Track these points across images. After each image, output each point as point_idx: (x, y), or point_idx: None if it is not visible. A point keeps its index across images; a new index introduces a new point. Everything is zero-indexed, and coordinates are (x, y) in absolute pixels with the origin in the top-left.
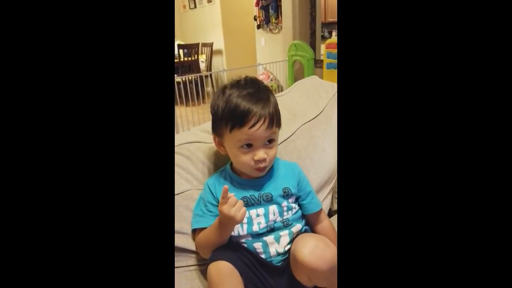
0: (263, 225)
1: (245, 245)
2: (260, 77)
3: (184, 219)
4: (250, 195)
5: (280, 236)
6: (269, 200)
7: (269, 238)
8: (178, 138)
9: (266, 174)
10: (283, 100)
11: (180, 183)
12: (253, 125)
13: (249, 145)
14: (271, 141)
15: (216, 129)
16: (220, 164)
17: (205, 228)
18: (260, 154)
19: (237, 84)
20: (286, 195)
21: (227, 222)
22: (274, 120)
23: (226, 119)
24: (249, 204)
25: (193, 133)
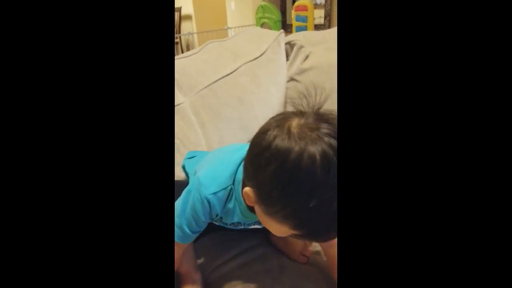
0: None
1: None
2: None
3: None
4: (241, 229)
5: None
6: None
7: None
8: None
9: None
10: (226, 44)
11: None
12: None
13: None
14: None
15: (264, 201)
16: None
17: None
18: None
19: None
20: None
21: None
22: None
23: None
24: (235, 226)
25: None
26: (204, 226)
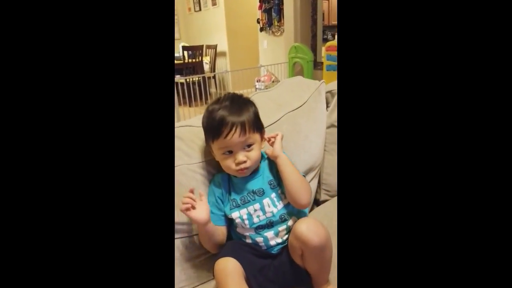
0: (262, 217)
1: (249, 240)
2: (263, 79)
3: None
4: (247, 193)
5: (279, 231)
6: (262, 194)
7: (270, 234)
8: None
9: (254, 172)
10: (270, 94)
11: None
12: (227, 135)
13: (230, 151)
14: (249, 145)
15: (206, 141)
16: None
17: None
18: (240, 157)
19: (217, 101)
20: (273, 186)
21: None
22: (247, 127)
23: (207, 132)
24: (246, 201)
25: (183, 121)
26: (213, 208)
